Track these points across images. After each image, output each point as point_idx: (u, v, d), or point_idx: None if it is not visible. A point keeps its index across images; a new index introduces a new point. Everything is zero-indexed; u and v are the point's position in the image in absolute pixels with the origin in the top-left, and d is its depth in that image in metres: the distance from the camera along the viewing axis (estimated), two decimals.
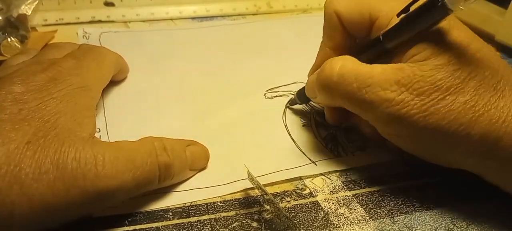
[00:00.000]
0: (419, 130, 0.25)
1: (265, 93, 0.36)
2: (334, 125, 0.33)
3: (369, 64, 0.26)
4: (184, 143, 0.28)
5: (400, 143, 0.27)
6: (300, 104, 0.35)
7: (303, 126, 0.33)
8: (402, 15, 0.25)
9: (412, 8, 0.25)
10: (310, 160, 0.30)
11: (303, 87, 0.34)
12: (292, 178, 0.29)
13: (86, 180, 0.22)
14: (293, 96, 0.36)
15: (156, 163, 0.25)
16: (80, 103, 0.25)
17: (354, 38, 0.29)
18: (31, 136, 0.22)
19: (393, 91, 0.25)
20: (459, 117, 0.24)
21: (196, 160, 0.28)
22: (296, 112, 0.35)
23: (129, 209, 0.26)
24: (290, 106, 0.35)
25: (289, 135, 0.32)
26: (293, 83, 0.37)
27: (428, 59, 0.24)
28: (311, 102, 0.35)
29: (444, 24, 0.25)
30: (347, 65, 0.26)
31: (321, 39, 0.31)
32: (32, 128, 0.22)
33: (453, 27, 0.25)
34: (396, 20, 0.26)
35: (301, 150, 0.31)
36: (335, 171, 0.30)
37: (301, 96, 0.34)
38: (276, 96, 0.36)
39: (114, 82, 0.36)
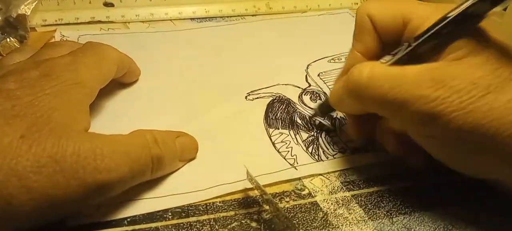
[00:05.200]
0: (456, 130, 0.23)
1: (246, 96, 0.36)
2: (359, 141, 0.32)
3: (400, 66, 0.25)
4: (173, 134, 0.28)
5: (432, 146, 0.26)
6: (321, 118, 0.34)
7: (284, 128, 0.33)
8: (437, 19, 0.24)
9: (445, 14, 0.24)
10: (290, 164, 0.30)
11: (324, 101, 0.34)
12: (274, 183, 0.28)
13: (86, 173, 0.22)
14: (314, 110, 0.35)
15: (150, 155, 0.25)
16: (74, 99, 0.25)
17: (382, 44, 0.29)
18: (25, 130, 0.22)
19: (428, 87, 0.23)
20: (501, 116, 0.22)
21: (186, 151, 0.29)
22: (277, 115, 0.34)
23: (128, 209, 0.26)
24: (312, 121, 0.34)
25: (270, 138, 0.32)
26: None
27: (466, 58, 0.23)
28: (295, 103, 0.35)
29: (481, 23, 0.24)
30: (376, 68, 0.26)
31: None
32: (26, 123, 0.22)
33: (489, 26, 0.24)
34: (428, 24, 0.25)
35: (281, 154, 0.31)
36: (334, 171, 0.30)
37: (322, 109, 0.33)
38: (258, 98, 0.36)
39: (121, 84, 0.36)
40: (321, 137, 0.33)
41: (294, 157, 0.30)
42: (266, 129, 0.33)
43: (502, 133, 0.22)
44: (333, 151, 0.31)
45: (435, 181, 0.29)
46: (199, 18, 0.49)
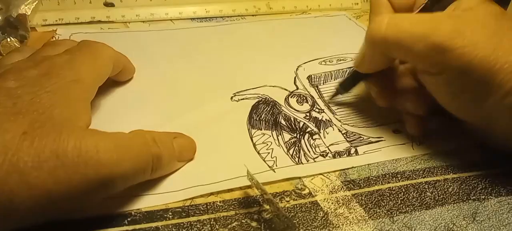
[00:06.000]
0: (465, 64, 0.26)
1: (231, 97, 0.36)
2: (385, 107, 0.33)
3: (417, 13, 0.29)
4: (171, 135, 0.28)
5: (438, 85, 0.28)
6: (342, 94, 0.36)
7: (267, 129, 0.33)
8: None
9: None
10: (269, 166, 0.29)
11: (345, 78, 0.36)
12: (272, 182, 0.28)
13: (87, 168, 0.22)
14: (336, 88, 0.36)
15: (150, 153, 0.25)
16: (74, 96, 0.25)
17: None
18: (27, 126, 0.22)
19: (444, 22, 0.26)
20: (505, 55, 0.25)
21: (183, 151, 0.29)
22: (262, 116, 0.34)
23: (128, 208, 0.26)
24: (331, 101, 0.36)
25: (251, 139, 0.32)
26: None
27: (476, 7, 0.27)
28: (280, 105, 0.35)
29: None
30: (395, 16, 0.29)
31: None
32: (27, 120, 0.22)
33: None
34: None
35: (260, 156, 0.30)
36: (315, 175, 0.29)
37: (345, 84, 0.35)
38: (244, 99, 0.36)
39: (116, 82, 0.36)
40: (303, 138, 0.32)
41: (274, 158, 0.30)
42: (248, 130, 0.33)
43: (505, 69, 0.25)
44: (315, 154, 0.31)
45: (435, 179, 0.29)
46: (199, 18, 0.49)
